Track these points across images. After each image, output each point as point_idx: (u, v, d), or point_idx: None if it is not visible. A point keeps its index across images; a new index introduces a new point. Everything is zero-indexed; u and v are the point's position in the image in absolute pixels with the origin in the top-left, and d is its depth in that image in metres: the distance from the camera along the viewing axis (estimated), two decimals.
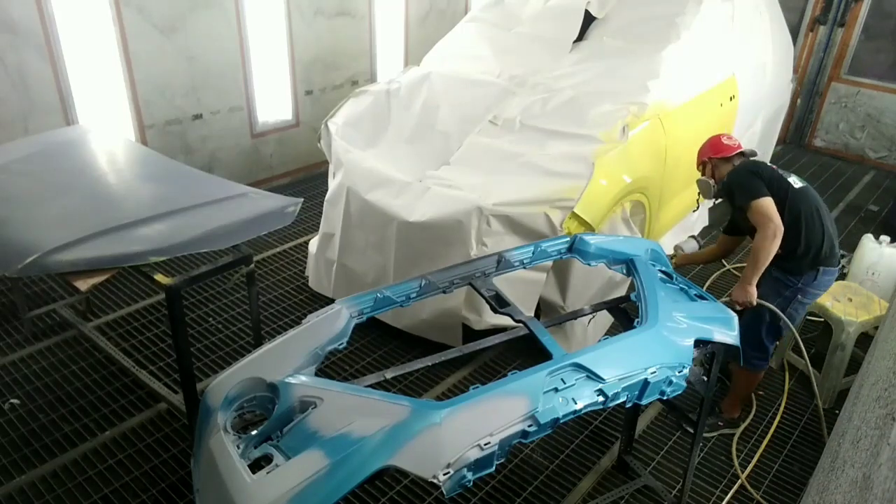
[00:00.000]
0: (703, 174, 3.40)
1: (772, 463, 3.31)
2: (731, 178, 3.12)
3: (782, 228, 2.91)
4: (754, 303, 3.02)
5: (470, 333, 3.58)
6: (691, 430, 3.24)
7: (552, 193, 3.42)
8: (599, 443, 3.38)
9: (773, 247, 2.91)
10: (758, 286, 3.01)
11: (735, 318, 2.49)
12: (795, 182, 3.10)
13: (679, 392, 2.23)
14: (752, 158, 3.27)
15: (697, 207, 3.86)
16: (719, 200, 3.37)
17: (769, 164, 3.23)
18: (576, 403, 1.98)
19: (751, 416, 3.56)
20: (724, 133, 3.42)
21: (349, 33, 6.16)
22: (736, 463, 3.27)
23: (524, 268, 2.79)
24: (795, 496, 3.11)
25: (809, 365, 3.20)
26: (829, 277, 3.11)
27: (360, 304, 2.39)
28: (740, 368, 3.28)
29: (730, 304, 2.82)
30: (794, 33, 6.76)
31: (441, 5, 6.97)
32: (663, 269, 2.73)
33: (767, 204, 2.92)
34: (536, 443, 3.31)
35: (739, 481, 3.16)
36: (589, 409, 2.02)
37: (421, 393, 3.62)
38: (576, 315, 2.84)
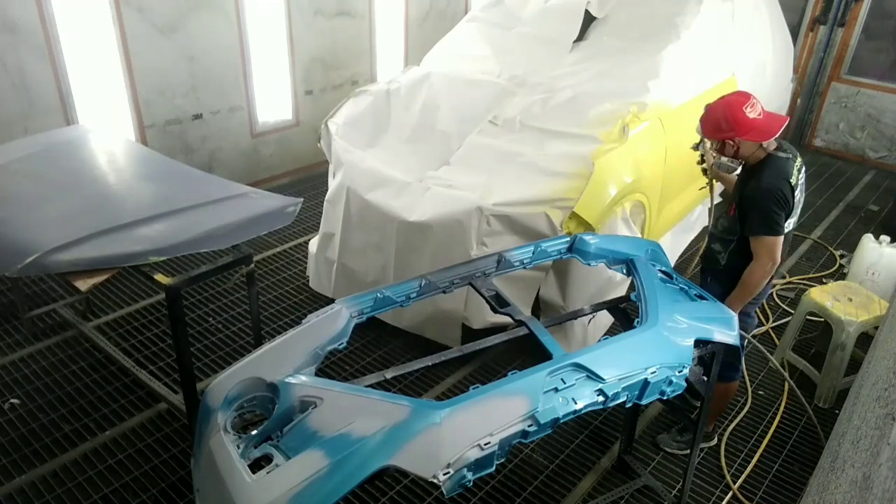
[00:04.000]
0: (720, 150, 2.81)
1: (772, 463, 3.31)
2: (755, 196, 2.70)
3: (778, 263, 2.77)
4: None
5: (470, 333, 3.59)
6: (681, 445, 3.28)
7: (552, 193, 3.42)
8: (599, 443, 3.38)
9: (765, 281, 2.81)
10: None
11: (735, 317, 2.49)
12: (790, 224, 2.81)
13: (679, 392, 2.23)
14: (781, 154, 2.76)
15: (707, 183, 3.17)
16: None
17: (796, 171, 2.76)
18: (576, 403, 1.98)
19: (745, 411, 3.56)
20: (744, 98, 2.72)
21: (349, 33, 6.16)
22: (725, 471, 3.26)
23: (524, 268, 2.79)
24: (795, 496, 3.11)
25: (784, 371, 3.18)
26: (761, 297, 3.04)
27: (360, 304, 2.39)
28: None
29: None
30: (794, 33, 6.76)
31: (441, 5, 6.97)
32: (663, 269, 2.73)
33: (777, 244, 2.72)
34: (536, 443, 3.31)
35: (736, 478, 3.16)
36: (589, 409, 2.02)
37: (421, 393, 3.62)
38: (576, 315, 2.83)
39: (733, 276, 2.88)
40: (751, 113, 2.69)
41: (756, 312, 3.21)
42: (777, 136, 2.73)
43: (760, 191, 2.69)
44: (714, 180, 3.13)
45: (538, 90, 4.23)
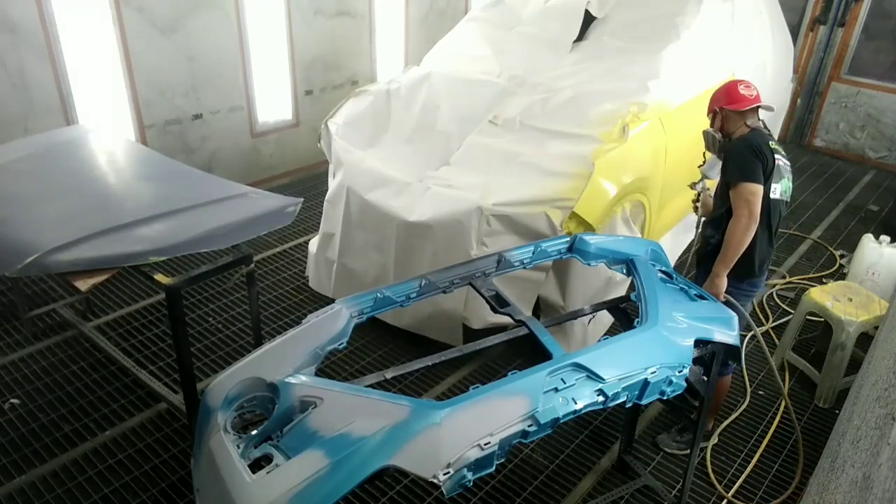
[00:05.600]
0: (711, 124, 3.13)
1: (772, 463, 3.31)
2: (733, 147, 2.92)
3: (757, 220, 2.78)
4: (722, 297, 2.86)
5: (470, 333, 3.59)
6: (681, 444, 3.29)
7: (552, 193, 3.42)
8: (599, 443, 3.38)
9: (746, 238, 2.79)
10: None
11: (735, 318, 2.49)
12: (777, 190, 2.88)
13: (679, 392, 2.23)
14: (764, 130, 3.00)
15: (704, 163, 3.34)
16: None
17: (779, 148, 2.93)
18: (576, 403, 1.98)
19: (742, 408, 3.56)
20: (744, 81, 3.09)
21: (349, 33, 6.16)
22: (713, 478, 3.26)
23: (524, 268, 2.79)
24: (795, 496, 3.11)
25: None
26: (754, 289, 3.06)
27: (360, 304, 2.39)
28: None
29: None
30: (794, 33, 6.76)
31: (441, 5, 6.97)
32: (663, 269, 2.73)
33: (755, 193, 2.76)
34: (536, 443, 3.31)
35: (736, 478, 3.16)
36: (589, 409, 2.02)
37: (421, 393, 3.62)
38: (576, 315, 2.83)
39: None
40: (743, 90, 3.00)
41: (753, 303, 3.20)
42: (755, 105, 2.97)
43: (735, 144, 2.93)
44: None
45: (538, 90, 4.23)
